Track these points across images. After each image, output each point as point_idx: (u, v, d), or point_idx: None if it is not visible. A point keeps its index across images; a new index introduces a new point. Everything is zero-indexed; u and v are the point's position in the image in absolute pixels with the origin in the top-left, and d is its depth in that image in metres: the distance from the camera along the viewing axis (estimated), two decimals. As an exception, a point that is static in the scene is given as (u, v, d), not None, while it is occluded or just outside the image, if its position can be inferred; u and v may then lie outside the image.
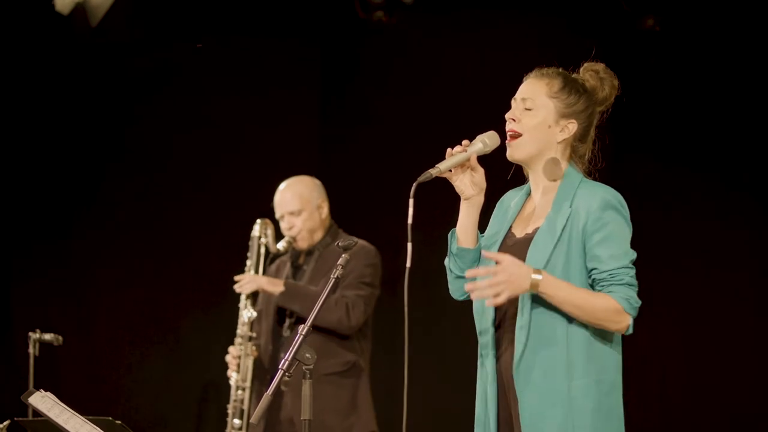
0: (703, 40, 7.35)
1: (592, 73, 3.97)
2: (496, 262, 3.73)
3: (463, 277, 3.97)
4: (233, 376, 6.03)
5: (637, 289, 3.79)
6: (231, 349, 6.06)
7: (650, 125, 7.49)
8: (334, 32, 7.90)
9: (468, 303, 3.98)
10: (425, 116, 7.74)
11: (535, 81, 3.92)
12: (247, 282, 6.04)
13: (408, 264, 3.76)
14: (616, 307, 3.74)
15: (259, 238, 6.16)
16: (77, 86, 7.89)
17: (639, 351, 7.32)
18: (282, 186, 6.19)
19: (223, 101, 7.88)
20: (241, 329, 6.06)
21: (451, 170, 3.90)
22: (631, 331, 3.79)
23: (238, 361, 6.02)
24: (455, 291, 4.03)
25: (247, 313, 6.06)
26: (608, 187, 3.87)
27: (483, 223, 4.02)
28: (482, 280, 3.74)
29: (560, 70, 3.95)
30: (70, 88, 7.88)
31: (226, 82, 7.90)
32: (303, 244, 6.11)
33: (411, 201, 3.78)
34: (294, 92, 7.95)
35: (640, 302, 3.79)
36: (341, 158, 7.93)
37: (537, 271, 3.72)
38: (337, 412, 5.90)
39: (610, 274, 3.76)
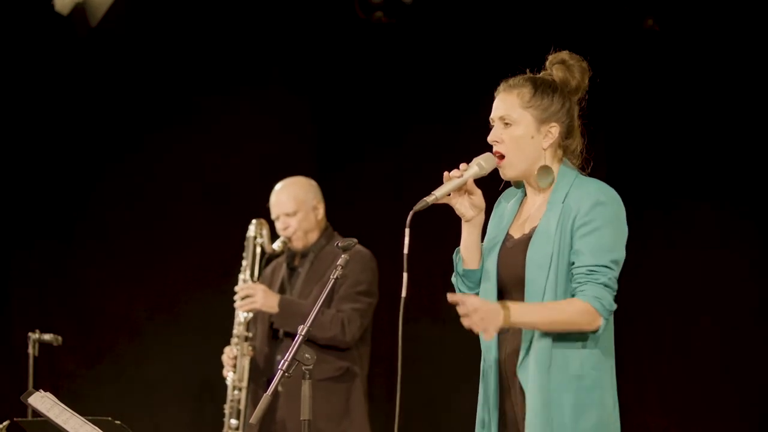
0: (703, 40, 7.35)
1: (558, 66, 3.93)
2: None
3: (471, 292, 3.96)
4: (230, 376, 6.03)
5: (613, 291, 3.74)
6: (227, 349, 6.06)
7: (650, 124, 7.49)
8: (334, 32, 7.89)
9: None
10: (426, 116, 7.74)
11: (505, 96, 3.90)
12: (245, 303, 6.02)
13: (403, 294, 3.74)
14: (586, 308, 3.71)
15: (255, 238, 6.16)
16: (77, 86, 7.89)
17: (638, 352, 7.34)
18: (278, 187, 6.19)
19: (222, 100, 7.88)
20: (238, 329, 6.06)
21: (449, 194, 3.87)
22: (600, 331, 3.74)
23: (235, 362, 6.02)
24: None
25: (243, 313, 6.06)
26: (602, 183, 3.85)
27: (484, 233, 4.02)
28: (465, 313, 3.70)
29: (527, 75, 3.92)
30: (70, 88, 7.88)
31: (225, 81, 7.90)
32: (298, 244, 6.11)
33: (407, 230, 3.75)
34: (293, 91, 7.95)
35: (614, 306, 3.75)
36: (340, 157, 7.93)
37: (504, 306, 3.70)
38: (329, 418, 5.90)
39: (588, 270, 3.73)
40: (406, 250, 3.75)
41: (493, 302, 3.73)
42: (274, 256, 6.21)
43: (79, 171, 7.93)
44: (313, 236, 6.12)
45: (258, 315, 6.09)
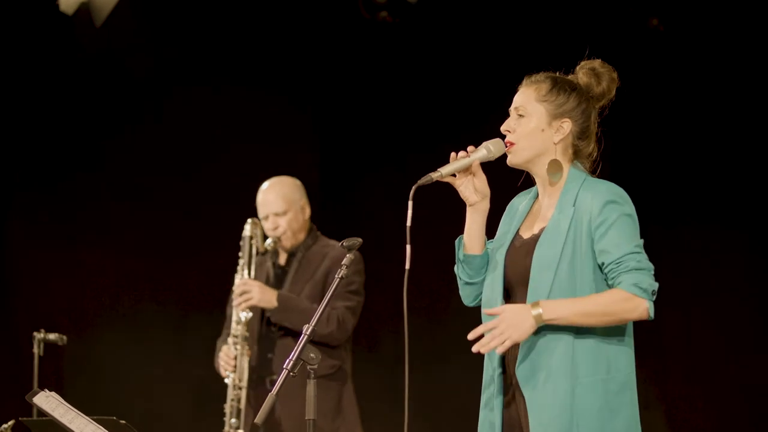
0: (708, 40, 7.35)
1: (586, 71, 3.97)
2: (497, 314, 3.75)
3: (472, 284, 4.00)
4: (230, 376, 6.06)
5: (649, 271, 3.76)
6: (224, 348, 6.09)
7: (654, 124, 7.48)
8: (338, 31, 7.90)
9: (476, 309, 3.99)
10: (430, 115, 7.74)
11: (525, 89, 3.96)
12: (242, 300, 6.06)
13: (407, 266, 3.77)
14: (624, 296, 3.72)
15: (251, 238, 6.19)
16: (81, 86, 7.89)
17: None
18: (265, 186, 6.23)
19: (223, 100, 7.88)
20: (236, 329, 6.09)
21: (455, 175, 3.90)
22: (652, 316, 3.74)
23: (235, 362, 6.05)
24: (466, 297, 4.04)
25: (243, 313, 6.10)
26: (610, 183, 3.88)
27: (492, 230, 4.03)
28: (487, 334, 3.74)
29: (549, 73, 3.97)
30: (74, 89, 7.88)
31: (226, 81, 7.90)
32: (287, 244, 6.17)
33: (410, 203, 3.79)
34: (296, 91, 7.95)
35: (656, 284, 3.75)
36: (343, 156, 7.93)
37: (535, 305, 3.72)
38: (323, 415, 5.92)
39: (616, 263, 3.75)
40: (408, 223, 3.79)
41: (522, 306, 3.75)
42: (261, 255, 6.26)
43: (83, 171, 7.93)
44: (301, 236, 6.18)
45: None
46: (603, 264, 3.78)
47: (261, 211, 6.18)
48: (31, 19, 7.81)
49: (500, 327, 3.70)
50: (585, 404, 3.76)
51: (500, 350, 3.74)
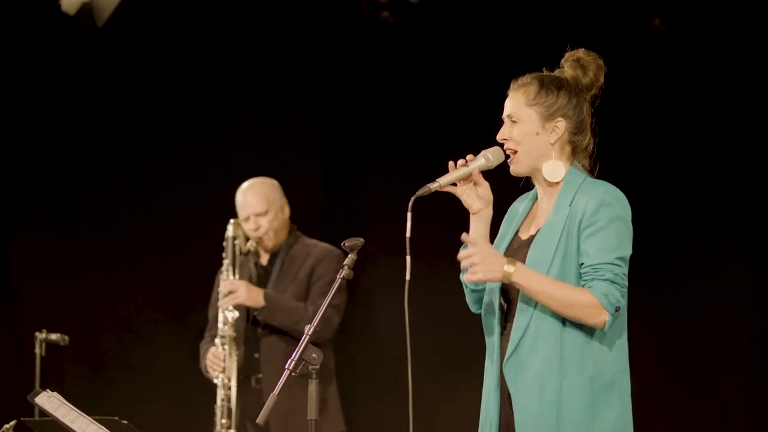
0: (710, 40, 7.35)
1: (571, 63, 3.96)
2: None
3: (477, 291, 4.00)
4: (219, 377, 6.07)
5: (622, 288, 3.76)
6: (212, 350, 6.14)
7: (656, 125, 7.48)
8: (339, 31, 7.90)
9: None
10: (432, 115, 7.74)
11: (514, 94, 3.95)
12: (229, 298, 6.09)
13: (408, 277, 3.78)
14: (592, 301, 3.73)
15: (234, 239, 6.23)
16: (83, 87, 7.89)
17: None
18: (244, 187, 6.30)
19: (224, 100, 7.88)
20: (223, 329, 6.13)
21: (455, 185, 3.92)
22: (606, 327, 3.76)
23: (224, 363, 6.07)
24: (472, 305, 4.06)
25: (230, 313, 6.14)
26: (609, 185, 3.88)
27: (495, 236, 4.03)
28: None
29: (535, 73, 3.96)
30: (76, 89, 7.88)
31: (228, 81, 7.90)
32: (269, 244, 6.25)
33: (409, 215, 3.80)
34: (297, 90, 7.95)
35: (622, 302, 3.77)
36: (344, 156, 7.93)
37: (511, 262, 3.75)
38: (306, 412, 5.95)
39: (593, 268, 3.76)
40: (408, 234, 3.79)
41: (501, 255, 3.79)
42: (243, 255, 6.30)
43: (84, 171, 7.93)
44: (282, 235, 6.26)
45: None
46: (581, 264, 3.78)
47: (242, 212, 6.26)
48: (33, 19, 7.81)
49: (474, 257, 3.75)
50: (571, 402, 3.76)
51: (468, 278, 3.79)
